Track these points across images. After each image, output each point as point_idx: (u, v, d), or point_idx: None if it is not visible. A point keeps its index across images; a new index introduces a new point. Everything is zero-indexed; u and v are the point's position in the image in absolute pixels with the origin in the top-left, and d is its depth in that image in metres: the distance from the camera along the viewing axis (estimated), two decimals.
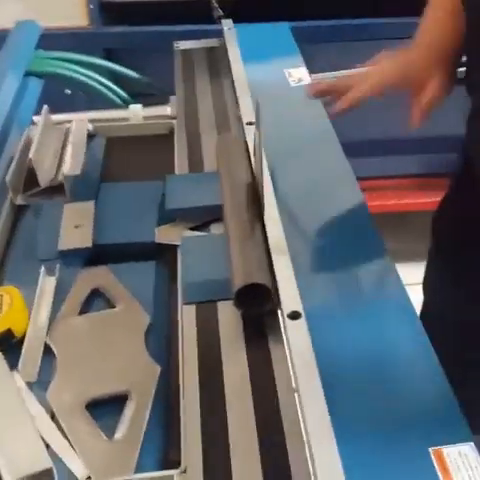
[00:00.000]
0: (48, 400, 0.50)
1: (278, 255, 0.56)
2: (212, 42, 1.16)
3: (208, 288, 0.58)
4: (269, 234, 0.59)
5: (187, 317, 0.56)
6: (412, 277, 1.75)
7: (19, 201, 0.78)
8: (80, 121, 0.89)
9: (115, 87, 1.20)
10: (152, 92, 1.26)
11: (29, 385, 0.52)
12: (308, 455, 0.42)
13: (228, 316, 0.56)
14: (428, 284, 0.98)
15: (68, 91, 1.51)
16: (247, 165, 0.71)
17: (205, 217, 0.68)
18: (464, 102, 0.73)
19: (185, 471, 0.43)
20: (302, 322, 0.50)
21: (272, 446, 0.44)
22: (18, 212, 0.78)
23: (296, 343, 0.48)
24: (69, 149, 0.82)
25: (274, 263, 0.56)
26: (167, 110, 0.97)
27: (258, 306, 0.55)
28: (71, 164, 0.79)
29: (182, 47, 1.16)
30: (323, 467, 0.40)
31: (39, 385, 0.52)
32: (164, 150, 0.89)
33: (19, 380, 0.52)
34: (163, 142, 0.92)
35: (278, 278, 0.54)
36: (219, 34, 1.14)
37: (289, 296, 0.52)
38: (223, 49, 1.08)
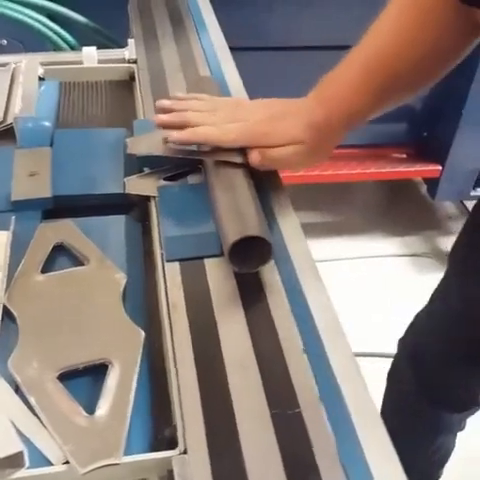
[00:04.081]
0: (10, 370, 0.42)
1: None
2: None
3: (193, 243, 0.51)
4: None
5: (171, 276, 0.49)
6: (351, 251, 1.75)
7: None
8: (31, 60, 0.78)
9: (63, 31, 1.09)
10: (101, 40, 1.15)
11: None
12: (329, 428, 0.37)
13: (219, 274, 0.49)
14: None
15: (4, 41, 1.37)
16: None
17: (180, 167, 0.60)
18: None
19: (185, 452, 0.37)
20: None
21: (287, 420, 0.38)
22: None
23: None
24: (19, 90, 0.72)
25: None
26: (124, 54, 0.88)
27: (256, 263, 0.49)
28: (22, 106, 0.69)
29: None
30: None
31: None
32: (124, 97, 0.81)
33: None
34: (122, 88, 0.83)
35: None
36: None
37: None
38: None
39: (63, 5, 1.13)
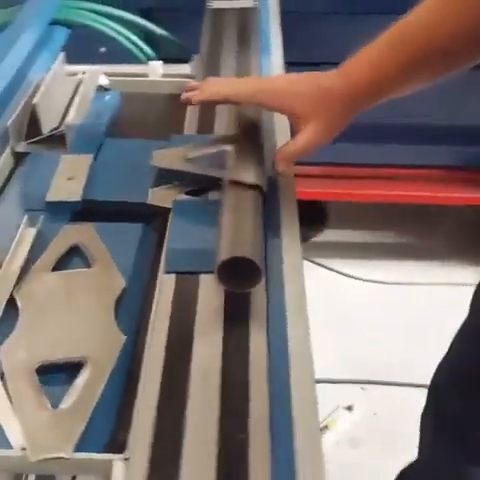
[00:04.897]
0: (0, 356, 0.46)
1: None
2: (246, 2, 1.10)
3: (193, 258, 0.53)
4: None
5: (165, 287, 0.52)
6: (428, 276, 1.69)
7: (19, 148, 0.74)
8: (93, 72, 0.84)
9: (141, 43, 1.15)
10: (180, 52, 1.20)
11: None
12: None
13: (210, 291, 0.51)
14: None
15: (103, 49, 1.47)
16: (257, 136, 0.65)
17: (203, 182, 0.63)
18: None
19: (127, 459, 0.39)
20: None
21: (232, 443, 0.39)
22: (18, 159, 0.75)
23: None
24: (77, 100, 0.78)
25: None
26: (186, 68, 0.92)
27: (244, 284, 0.50)
28: (75, 114, 0.75)
29: (215, 6, 1.10)
30: None
31: None
32: (177, 109, 0.84)
33: None
34: (176, 101, 0.87)
35: None
36: None
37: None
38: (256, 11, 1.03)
39: (149, 20, 1.20)
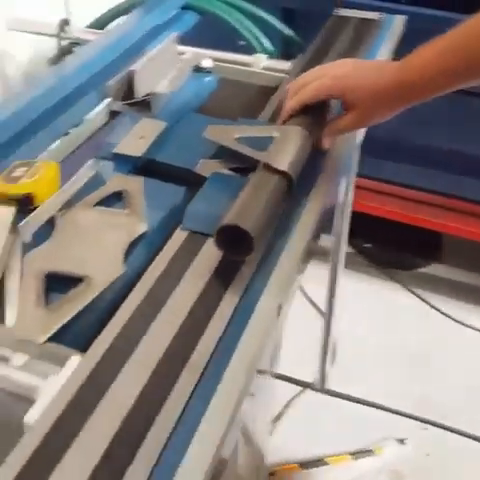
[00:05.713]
0: (24, 261, 0.56)
1: None
2: (372, 14, 1.14)
3: (207, 221, 0.59)
4: None
5: (174, 241, 0.59)
6: None
7: (114, 107, 0.85)
8: (195, 54, 0.93)
9: (263, 38, 1.22)
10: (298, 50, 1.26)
11: (24, 244, 0.58)
12: None
13: (209, 253, 0.57)
14: None
15: (242, 42, 1.57)
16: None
17: (246, 162, 0.68)
18: None
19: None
20: None
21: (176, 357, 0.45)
22: (111, 116, 0.86)
23: None
24: (172, 74, 0.87)
25: None
26: (287, 65, 0.97)
27: (238, 252, 0.55)
28: (166, 86, 0.84)
29: (341, 14, 1.14)
30: None
31: (28, 247, 0.58)
32: (263, 100, 0.91)
33: (17, 237, 0.58)
34: (268, 93, 0.93)
35: None
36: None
37: None
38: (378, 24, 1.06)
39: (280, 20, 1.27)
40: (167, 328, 0.49)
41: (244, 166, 0.69)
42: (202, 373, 0.45)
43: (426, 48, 0.62)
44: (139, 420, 0.42)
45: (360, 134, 0.98)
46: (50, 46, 1.13)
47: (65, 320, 0.49)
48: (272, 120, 0.80)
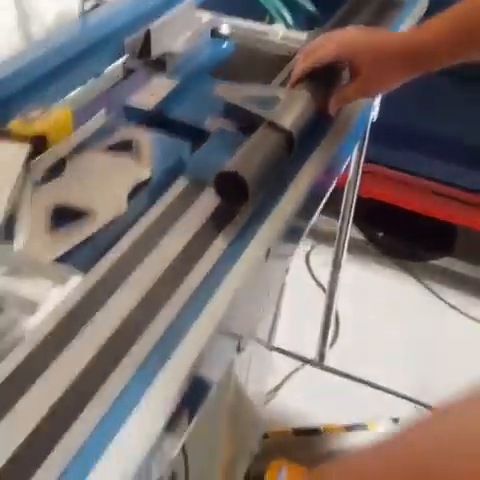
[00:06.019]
0: (35, 194, 0.59)
1: None
2: None
3: (208, 169, 0.62)
4: None
5: (174, 187, 0.61)
6: None
7: (130, 64, 0.88)
8: (213, 19, 0.95)
9: (284, 11, 1.23)
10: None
11: (37, 182, 0.61)
12: None
13: (206, 200, 0.60)
14: None
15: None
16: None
17: (252, 120, 0.70)
18: None
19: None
20: None
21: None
22: (126, 73, 0.88)
23: None
24: (187, 35, 0.89)
25: None
26: (304, 36, 0.99)
27: (235, 200, 0.58)
28: (181, 46, 0.86)
29: None
30: None
31: (39, 183, 0.61)
32: (278, 68, 0.92)
33: (30, 174, 0.61)
34: (282, 62, 0.95)
35: None
36: None
37: None
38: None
39: None
40: (159, 263, 0.52)
41: (249, 125, 0.71)
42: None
43: (431, 20, 0.63)
44: (129, 333, 0.46)
45: (370, 107, 0.99)
46: (75, 8, 1.15)
47: (71, 245, 0.53)
48: (283, 86, 0.81)
